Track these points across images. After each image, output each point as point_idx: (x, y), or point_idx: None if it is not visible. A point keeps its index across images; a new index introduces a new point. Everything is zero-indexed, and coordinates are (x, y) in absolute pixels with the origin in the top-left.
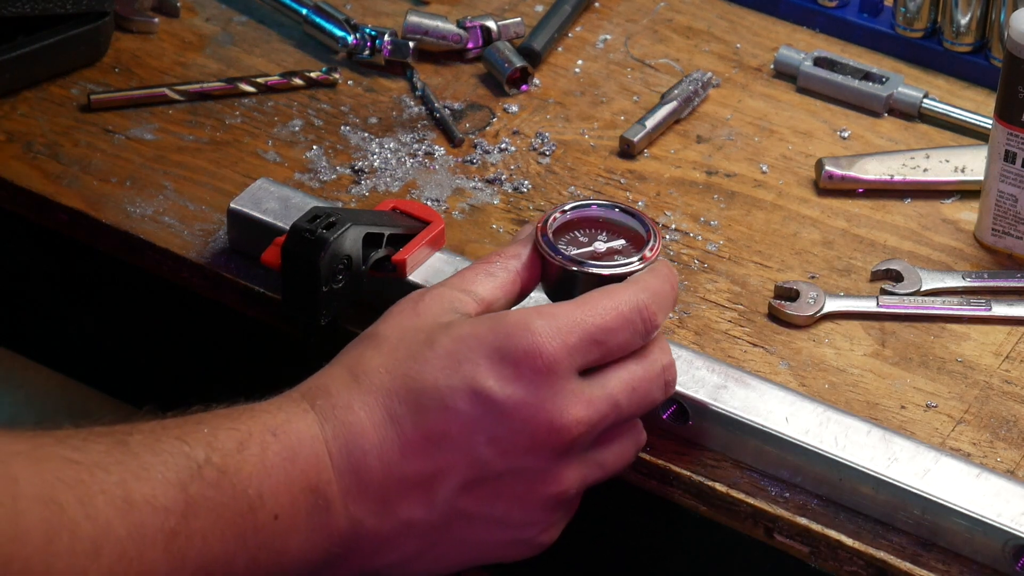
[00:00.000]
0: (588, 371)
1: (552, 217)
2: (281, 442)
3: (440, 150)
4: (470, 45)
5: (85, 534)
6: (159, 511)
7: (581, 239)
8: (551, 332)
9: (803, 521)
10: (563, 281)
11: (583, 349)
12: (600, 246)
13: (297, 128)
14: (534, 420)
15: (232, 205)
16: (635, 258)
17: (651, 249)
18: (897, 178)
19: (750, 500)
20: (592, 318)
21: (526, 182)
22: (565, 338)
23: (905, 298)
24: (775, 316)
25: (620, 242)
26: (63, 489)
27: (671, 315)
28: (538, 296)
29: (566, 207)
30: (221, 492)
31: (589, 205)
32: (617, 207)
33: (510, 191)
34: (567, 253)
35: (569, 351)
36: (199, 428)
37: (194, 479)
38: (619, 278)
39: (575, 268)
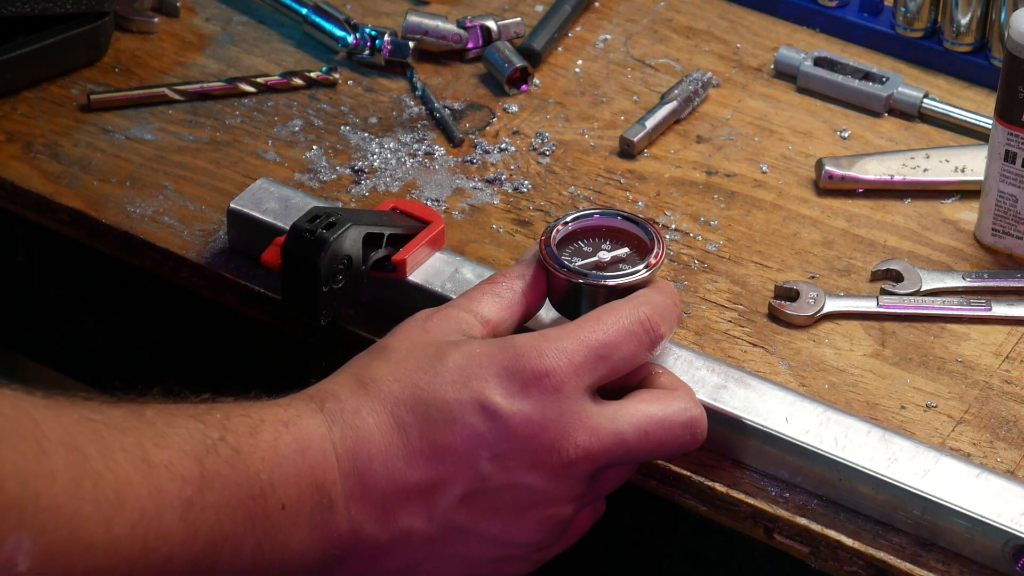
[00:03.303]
0: (607, 393)
1: (555, 230)
2: (292, 434)
3: (440, 150)
4: (470, 45)
5: (108, 484)
6: (176, 478)
7: (585, 249)
8: (558, 353)
9: (803, 521)
10: (570, 294)
11: (589, 366)
12: (605, 255)
13: (297, 128)
14: (537, 438)
15: (232, 205)
16: (640, 266)
17: (655, 256)
18: (897, 178)
19: (750, 500)
20: (595, 334)
21: (526, 182)
22: (571, 357)
23: (905, 298)
24: (775, 316)
25: (624, 250)
26: (85, 440)
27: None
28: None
29: (568, 218)
30: (235, 471)
31: (591, 214)
32: (619, 215)
33: (510, 191)
34: (572, 265)
35: (576, 370)
36: (212, 411)
37: (209, 453)
38: (625, 287)
39: (580, 280)
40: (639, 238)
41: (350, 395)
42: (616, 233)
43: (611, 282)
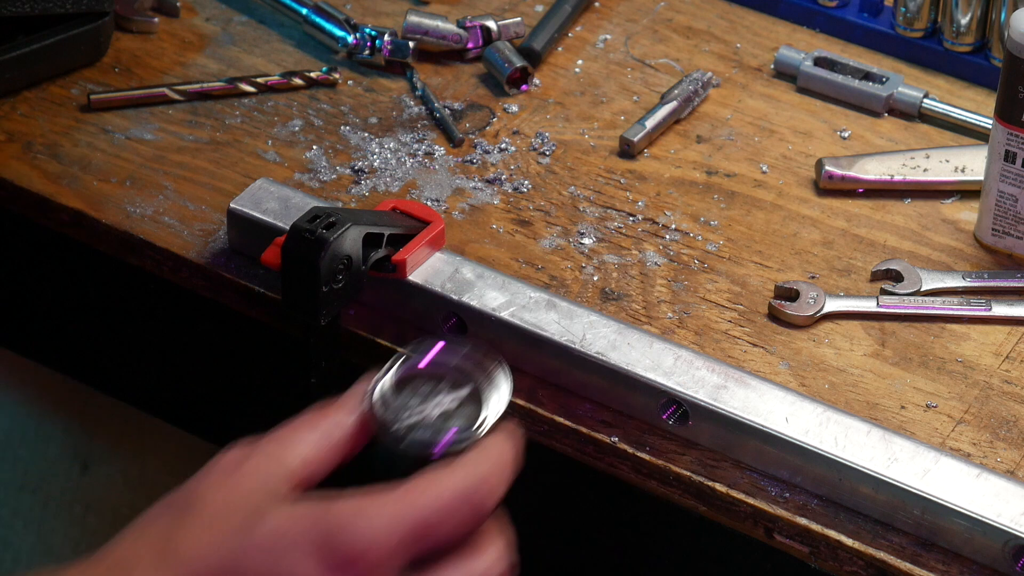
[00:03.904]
0: (422, 562)
1: (382, 379)
2: None
3: (440, 150)
4: (470, 45)
5: None
6: None
7: (423, 388)
8: (375, 532)
9: (803, 521)
10: (392, 455)
11: (406, 547)
12: (444, 400)
13: (297, 128)
14: None
15: (232, 205)
16: (472, 427)
17: (490, 412)
18: (897, 178)
19: (750, 500)
20: (415, 511)
21: (526, 182)
22: (388, 538)
23: (905, 298)
24: (775, 316)
25: (465, 390)
26: None
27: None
28: None
29: (402, 358)
30: None
31: (431, 349)
32: (460, 350)
33: (510, 191)
34: (396, 428)
35: (392, 552)
36: None
37: None
38: (453, 453)
39: (403, 447)
40: (479, 382)
41: (149, 571)
42: (457, 373)
43: (435, 450)
